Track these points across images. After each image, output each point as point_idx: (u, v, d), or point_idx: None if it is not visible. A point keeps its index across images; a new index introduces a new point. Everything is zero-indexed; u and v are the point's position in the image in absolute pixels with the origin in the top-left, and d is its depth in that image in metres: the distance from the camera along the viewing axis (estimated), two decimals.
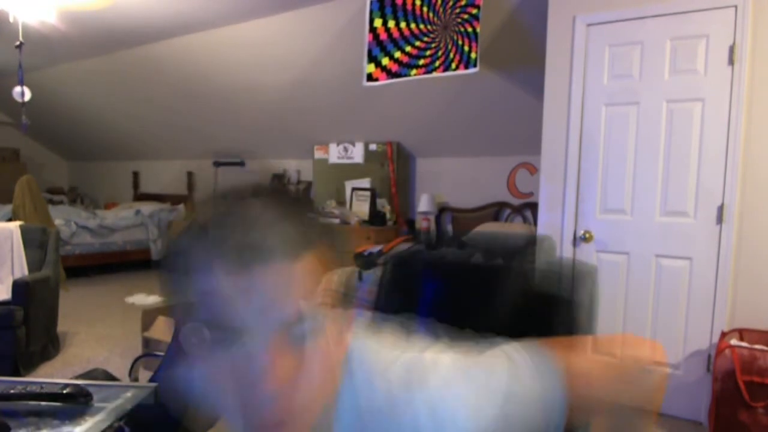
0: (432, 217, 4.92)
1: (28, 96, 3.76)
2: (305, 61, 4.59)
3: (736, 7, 2.50)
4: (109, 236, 6.34)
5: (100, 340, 3.91)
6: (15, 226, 3.66)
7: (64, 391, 1.10)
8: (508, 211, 4.73)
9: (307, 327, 0.47)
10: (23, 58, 3.68)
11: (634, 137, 2.80)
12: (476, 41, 3.06)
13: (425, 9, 3.20)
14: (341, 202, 5.38)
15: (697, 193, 2.65)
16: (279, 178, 6.14)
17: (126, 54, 5.34)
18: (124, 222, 6.50)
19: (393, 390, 0.55)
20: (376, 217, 4.97)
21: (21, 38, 3.58)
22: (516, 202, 4.69)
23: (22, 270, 3.51)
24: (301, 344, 0.47)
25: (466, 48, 3.09)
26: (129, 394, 1.17)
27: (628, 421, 0.68)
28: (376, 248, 3.92)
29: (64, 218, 5.97)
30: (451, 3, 3.12)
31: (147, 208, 6.83)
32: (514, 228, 4.38)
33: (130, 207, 7.03)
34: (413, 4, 3.22)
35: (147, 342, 3.27)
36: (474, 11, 3.05)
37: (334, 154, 5.46)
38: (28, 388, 1.12)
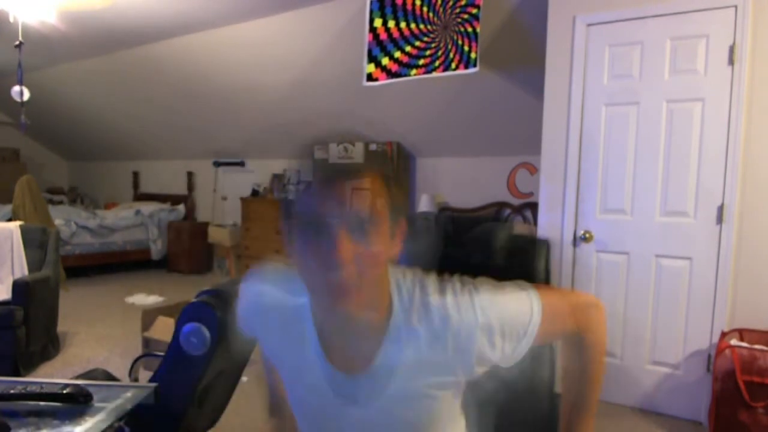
0: (432, 218, 4.91)
1: (27, 96, 3.76)
2: (305, 61, 4.59)
3: (736, 7, 2.50)
4: (109, 236, 6.34)
5: (100, 340, 3.91)
6: (15, 226, 3.66)
7: (64, 391, 1.10)
8: (508, 211, 4.73)
9: (367, 228, 0.73)
10: (23, 57, 3.68)
11: (634, 137, 2.80)
12: (476, 41, 3.06)
13: (425, 9, 3.20)
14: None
15: (697, 193, 2.65)
16: (279, 178, 6.14)
17: (126, 54, 5.34)
18: (124, 222, 6.50)
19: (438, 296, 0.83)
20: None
21: (21, 38, 3.58)
22: (516, 202, 4.69)
23: (22, 270, 3.51)
24: (364, 238, 0.73)
25: (466, 48, 3.08)
26: (129, 394, 1.17)
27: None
28: None
29: (64, 218, 5.97)
30: (451, 3, 3.12)
31: (147, 208, 6.83)
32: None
33: (130, 207, 7.03)
34: (413, 4, 3.22)
35: (147, 342, 3.27)
36: (474, 11, 3.05)
37: (334, 154, 5.46)
38: (28, 388, 1.12)
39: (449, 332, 0.81)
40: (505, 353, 0.84)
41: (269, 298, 0.92)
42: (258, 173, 6.49)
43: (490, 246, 1.23)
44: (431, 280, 0.86)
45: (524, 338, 0.84)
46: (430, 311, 0.82)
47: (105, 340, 3.91)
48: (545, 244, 1.28)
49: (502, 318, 0.83)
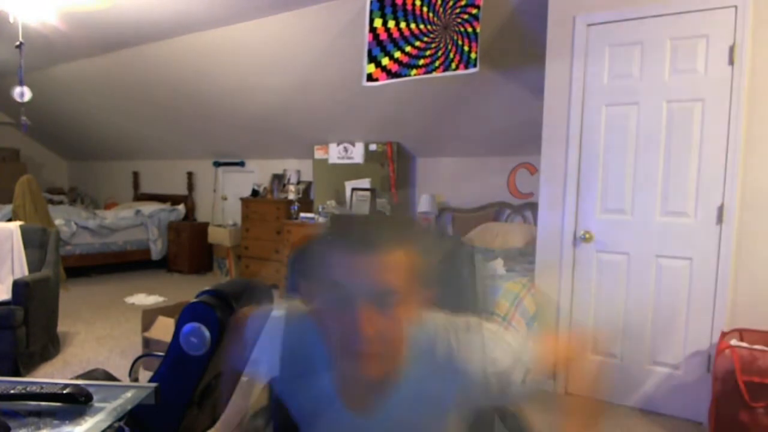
0: (432, 217, 4.92)
1: (28, 96, 3.75)
2: (305, 61, 4.59)
3: (736, 7, 2.50)
4: (109, 236, 6.35)
5: (100, 340, 3.91)
6: (15, 226, 3.66)
7: (64, 391, 1.10)
8: (508, 211, 4.72)
9: (392, 300, 0.75)
10: (23, 58, 3.68)
11: (634, 137, 2.80)
12: (476, 41, 3.06)
13: (425, 9, 3.20)
14: (341, 203, 5.38)
15: (697, 193, 2.65)
16: (279, 178, 6.14)
17: (126, 54, 5.34)
18: (124, 222, 6.50)
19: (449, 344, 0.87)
20: None
21: (21, 38, 3.58)
22: (516, 202, 4.69)
23: (22, 270, 3.51)
24: (388, 309, 0.74)
25: (466, 48, 3.08)
26: (129, 394, 1.17)
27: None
28: None
29: (64, 218, 5.97)
30: (451, 3, 3.12)
31: (147, 208, 6.83)
32: (513, 228, 4.38)
33: (130, 207, 7.03)
34: (413, 4, 3.22)
35: (147, 342, 3.27)
36: (474, 11, 3.05)
37: (334, 154, 5.46)
38: (28, 388, 1.11)
39: (454, 373, 0.86)
40: (495, 395, 0.90)
41: (290, 337, 0.96)
42: (258, 173, 6.49)
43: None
44: (443, 325, 0.90)
45: (512, 385, 0.89)
46: (438, 355, 0.87)
47: (105, 340, 3.91)
48: (469, 249, 1.28)
49: (500, 368, 0.88)
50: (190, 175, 7.13)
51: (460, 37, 3.10)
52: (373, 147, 5.19)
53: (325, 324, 0.80)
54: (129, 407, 1.12)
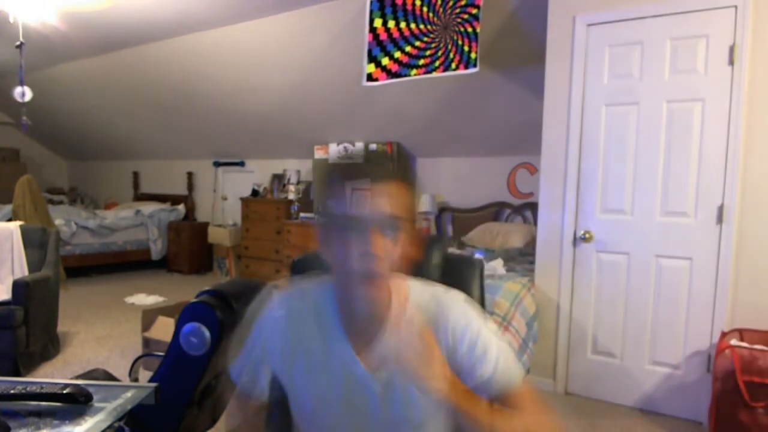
0: (432, 217, 4.92)
1: (29, 96, 3.75)
2: (305, 61, 4.59)
3: (736, 7, 2.50)
4: (109, 236, 6.35)
5: (100, 340, 3.91)
6: (15, 226, 3.66)
7: (64, 391, 1.10)
8: (508, 211, 4.72)
9: (395, 228, 0.86)
10: (23, 58, 3.68)
11: (634, 137, 2.80)
12: (476, 41, 3.06)
13: (425, 9, 3.20)
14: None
15: (697, 193, 2.65)
16: (279, 178, 6.14)
17: (126, 54, 5.34)
18: (124, 222, 6.50)
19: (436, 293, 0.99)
20: None
21: (21, 38, 3.58)
22: (516, 202, 4.69)
23: (22, 270, 3.51)
24: (392, 235, 0.86)
25: (466, 48, 3.08)
26: (129, 394, 1.17)
27: None
28: None
29: (64, 218, 5.97)
30: (451, 3, 3.12)
31: (147, 208, 6.83)
32: (513, 228, 4.38)
33: (130, 207, 7.03)
34: (413, 4, 3.22)
35: (147, 342, 3.27)
36: (474, 11, 3.05)
37: (334, 154, 5.46)
38: (28, 388, 1.12)
39: (439, 326, 0.93)
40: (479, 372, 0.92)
41: (293, 298, 1.03)
42: (258, 173, 6.49)
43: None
44: (448, 293, 0.99)
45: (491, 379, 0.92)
46: (429, 304, 0.96)
47: (105, 340, 3.91)
48: (479, 264, 1.28)
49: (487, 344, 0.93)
50: (190, 175, 7.13)
51: (460, 37, 3.11)
52: (373, 147, 5.19)
53: (339, 252, 0.88)
54: (129, 407, 1.12)
